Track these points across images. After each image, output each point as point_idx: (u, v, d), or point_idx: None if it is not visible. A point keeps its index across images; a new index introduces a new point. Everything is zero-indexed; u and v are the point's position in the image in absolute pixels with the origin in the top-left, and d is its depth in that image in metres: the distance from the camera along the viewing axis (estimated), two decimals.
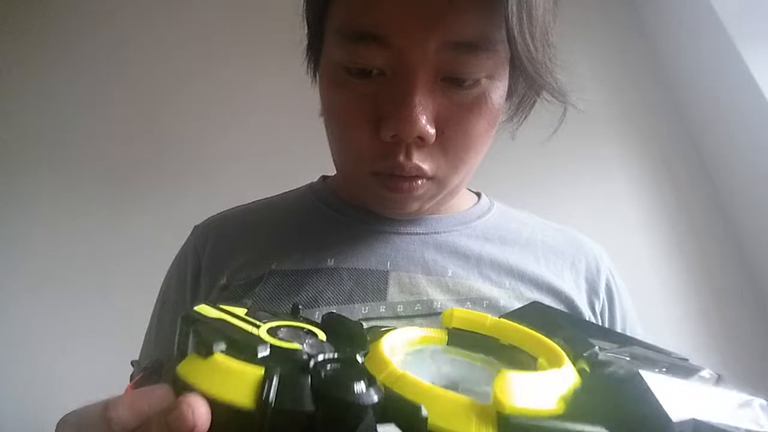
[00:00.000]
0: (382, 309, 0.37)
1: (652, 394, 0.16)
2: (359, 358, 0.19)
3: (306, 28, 0.39)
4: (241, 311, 0.22)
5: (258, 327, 0.20)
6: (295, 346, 0.18)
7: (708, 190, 1.23)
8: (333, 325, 0.22)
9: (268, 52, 1.35)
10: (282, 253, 0.41)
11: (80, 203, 1.25)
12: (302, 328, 0.21)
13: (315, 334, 0.21)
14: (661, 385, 0.17)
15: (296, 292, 0.37)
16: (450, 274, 0.39)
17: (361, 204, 0.43)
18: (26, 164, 1.29)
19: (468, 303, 0.37)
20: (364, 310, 0.36)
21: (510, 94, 0.38)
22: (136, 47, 1.40)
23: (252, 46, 1.39)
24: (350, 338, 0.21)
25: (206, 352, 0.17)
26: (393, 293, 0.37)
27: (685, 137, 1.29)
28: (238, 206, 0.49)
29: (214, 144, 1.32)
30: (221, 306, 0.22)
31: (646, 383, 0.16)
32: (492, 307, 0.37)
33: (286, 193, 0.50)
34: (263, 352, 0.17)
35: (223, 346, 0.17)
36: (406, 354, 0.22)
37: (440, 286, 0.38)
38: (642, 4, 1.41)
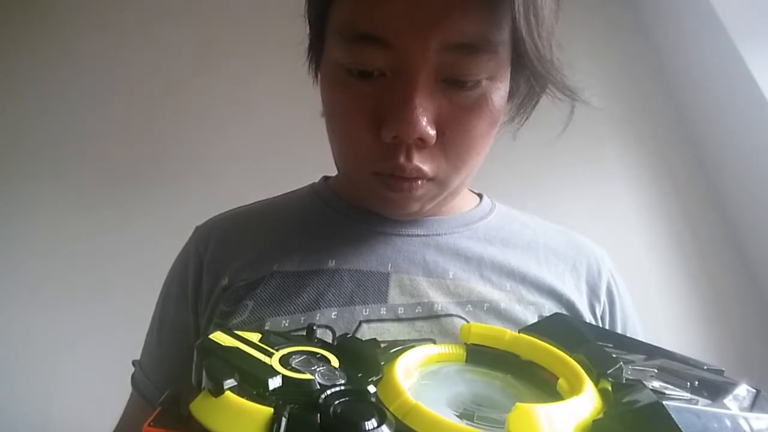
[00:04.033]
0: (383, 311, 0.37)
1: (677, 428, 0.15)
2: (371, 389, 0.19)
3: (308, 28, 0.39)
4: (256, 337, 0.22)
5: (271, 355, 0.20)
6: (307, 376, 0.19)
7: (708, 189, 1.23)
8: (347, 347, 0.22)
9: (268, 52, 1.35)
10: (283, 254, 0.41)
11: (80, 203, 1.25)
12: (315, 354, 0.21)
13: (328, 360, 0.21)
14: (687, 417, 0.16)
15: (297, 293, 0.37)
16: (451, 276, 0.39)
17: (362, 205, 0.43)
18: (26, 164, 1.29)
19: (469, 305, 0.37)
20: (365, 311, 0.36)
21: (511, 95, 0.38)
22: (136, 48, 1.40)
23: (252, 46, 1.39)
24: (363, 362, 0.21)
25: (217, 390, 0.17)
26: (394, 295, 0.37)
27: (685, 137, 1.29)
28: (239, 207, 0.49)
29: (215, 144, 1.32)
30: (236, 332, 0.22)
31: (669, 415, 0.16)
32: (493, 309, 0.37)
33: (287, 193, 0.50)
34: (274, 384, 0.18)
35: (233, 382, 0.17)
36: (422, 375, 0.22)
37: (441, 288, 0.38)
38: (642, 4, 1.41)
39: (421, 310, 0.37)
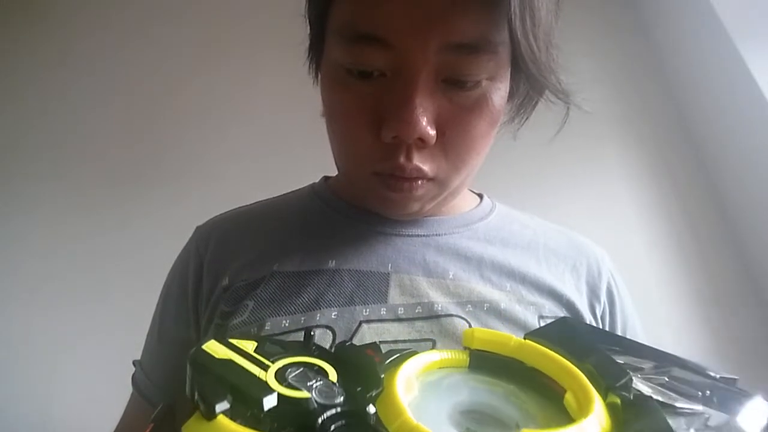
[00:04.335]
0: (383, 311, 0.36)
1: None
2: (370, 409, 0.18)
3: (308, 28, 0.39)
4: (251, 346, 0.21)
5: (267, 368, 0.20)
6: (303, 394, 0.18)
7: (708, 189, 1.23)
8: (345, 356, 0.22)
9: (268, 51, 1.35)
10: (283, 254, 0.41)
11: (80, 203, 1.25)
12: (312, 366, 0.21)
13: (325, 372, 0.20)
14: None
15: (297, 293, 0.38)
16: (451, 276, 0.39)
17: (362, 205, 0.43)
18: (26, 164, 1.29)
19: (469, 305, 0.37)
20: (365, 312, 0.36)
21: (511, 95, 0.38)
22: (136, 48, 1.40)
23: (252, 46, 1.39)
24: (362, 374, 0.20)
25: (209, 414, 0.17)
26: (394, 295, 0.38)
27: (685, 137, 1.29)
28: (239, 207, 0.49)
29: (215, 144, 1.32)
30: (230, 341, 0.22)
31: None
32: (493, 309, 0.37)
33: (288, 194, 0.50)
34: (270, 404, 0.17)
35: (226, 404, 0.17)
36: (423, 385, 0.22)
37: (441, 288, 0.38)
38: (642, 4, 1.41)
39: (421, 310, 0.37)
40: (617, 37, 1.39)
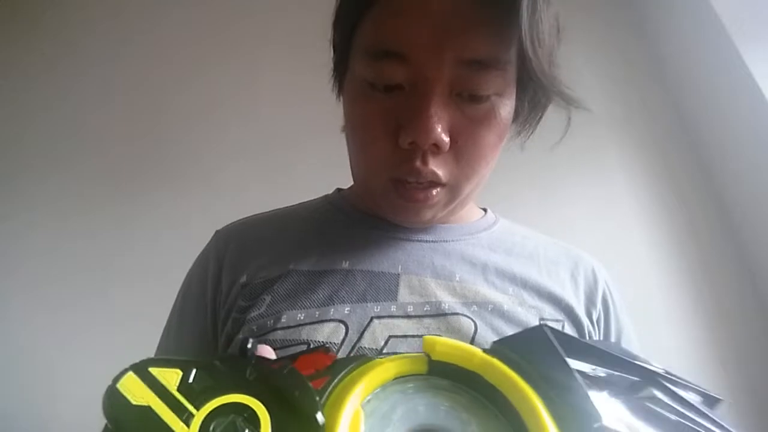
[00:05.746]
0: (393, 308, 0.39)
1: None
2: None
3: (332, 52, 0.44)
4: (175, 378, 0.19)
5: (191, 419, 0.18)
6: None
7: (708, 190, 1.23)
8: (283, 388, 0.19)
9: (270, 52, 1.35)
10: (300, 255, 0.43)
11: (81, 203, 1.25)
12: (244, 410, 0.18)
13: (257, 421, 0.18)
14: None
15: (312, 290, 0.40)
16: (458, 278, 0.42)
17: (375, 214, 0.46)
18: (27, 164, 1.29)
19: (474, 306, 0.40)
20: (377, 308, 0.39)
21: (516, 114, 0.41)
22: (137, 47, 1.40)
23: (253, 46, 1.39)
24: (300, 417, 0.18)
25: None
26: (403, 294, 0.40)
27: (685, 137, 1.29)
28: (257, 214, 0.52)
29: (215, 145, 1.32)
30: (151, 371, 0.19)
31: None
32: (497, 310, 0.40)
33: (302, 203, 0.53)
34: None
35: None
36: (372, 415, 0.20)
37: (448, 289, 0.41)
38: (642, 4, 1.41)
39: (429, 309, 0.39)
40: (617, 37, 1.39)
